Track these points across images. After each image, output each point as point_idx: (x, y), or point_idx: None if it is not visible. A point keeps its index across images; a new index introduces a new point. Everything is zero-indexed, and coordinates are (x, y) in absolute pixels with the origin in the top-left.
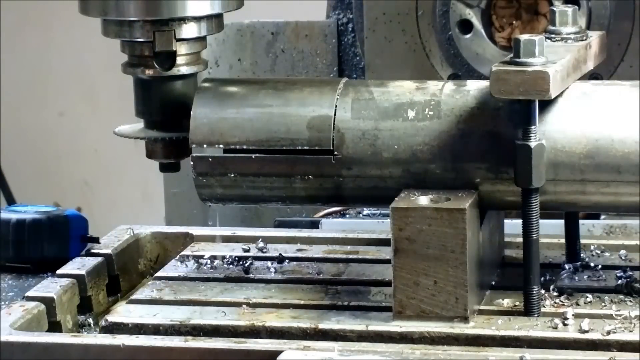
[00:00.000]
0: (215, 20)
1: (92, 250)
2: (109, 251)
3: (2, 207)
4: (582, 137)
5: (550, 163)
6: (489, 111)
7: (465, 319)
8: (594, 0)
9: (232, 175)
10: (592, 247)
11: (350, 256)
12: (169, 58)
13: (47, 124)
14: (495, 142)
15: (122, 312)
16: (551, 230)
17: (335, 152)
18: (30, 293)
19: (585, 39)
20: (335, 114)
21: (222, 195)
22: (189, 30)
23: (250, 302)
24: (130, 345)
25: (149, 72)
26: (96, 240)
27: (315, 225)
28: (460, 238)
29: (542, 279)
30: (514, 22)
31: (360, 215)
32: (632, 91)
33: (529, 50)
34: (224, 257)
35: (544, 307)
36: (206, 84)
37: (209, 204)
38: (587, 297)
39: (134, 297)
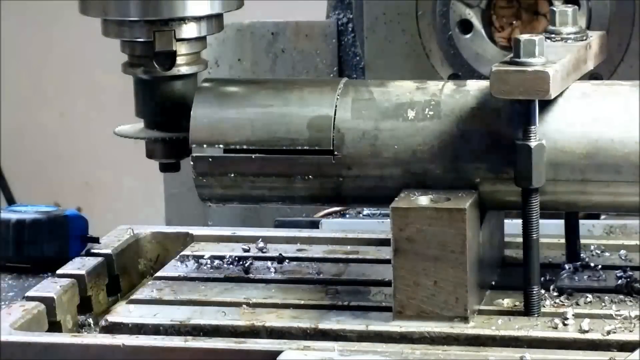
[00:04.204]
0: (215, 20)
1: (92, 250)
2: (109, 251)
3: (2, 207)
4: (582, 137)
5: (550, 163)
6: (489, 111)
7: (465, 319)
8: (594, 0)
9: (232, 175)
10: (592, 247)
11: (350, 256)
12: (169, 58)
13: (47, 124)
14: (495, 142)
15: (122, 312)
16: (551, 230)
17: (335, 152)
18: (30, 293)
19: (585, 39)
20: (335, 114)
21: (222, 195)
22: (189, 30)
23: (250, 302)
24: (130, 345)
25: (149, 72)
26: (96, 240)
27: (315, 225)
28: (460, 238)
29: (542, 279)
30: (514, 22)
31: (360, 215)
32: (632, 91)
33: (529, 50)
34: (223, 257)
35: (544, 307)
36: (206, 84)
37: (209, 204)
38: (587, 297)
39: (134, 297)
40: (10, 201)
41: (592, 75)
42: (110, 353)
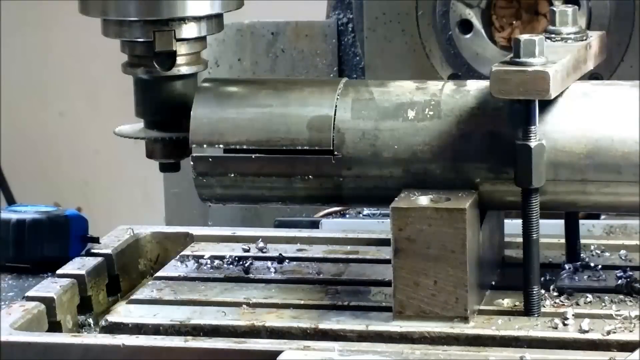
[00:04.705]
0: (215, 20)
1: (92, 250)
2: (109, 251)
3: (2, 207)
4: (582, 137)
5: (550, 163)
6: (489, 111)
7: (465, 319)
8: (594, 0)
9: (232, 175)
10: (592, 247)
11: (350, 256)
12: (169, 58)
13: (47, 124)
14: (495, 142)
15: (122, 312)
16: (551, 230)
17: (335, 152)
18: (30, 293)
19: (585, 39)
20: (335, 114)
21: (222, 195)
22: (189, 30)
23: (250, 302)
24: (130, 345)
25: (149, 72)
26: (96, 240)
27: (315, 225)
28: (460, 238)
29: (542, 279)
30: (514, 22)
31: (360, 215)
32: (632, 91)
33: (529, 50)
34: (223, 257)
35: (544, 307)
36: (206, 84)
37: (209, 204)
38: (587, 297)
39: (134, 297)
40: (10, 201)
41: (592, 75)
42: (110, 353)
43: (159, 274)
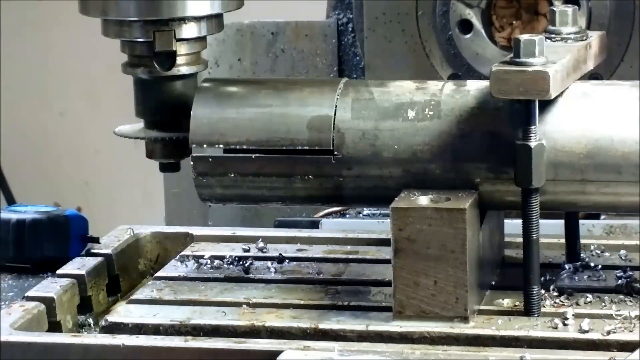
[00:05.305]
0: (215, 20)
1: (92, 250)
2: (109, 251)
3: (2, 207)
4: (582, 137)
5: (550, 163)
6: (489, 111)
7: (465, 319)
8: (594, 0)
9: (232, 175)
10: (592, 247)
11: (350, 256)
12: (169, 58)
13: (47, 124)
14: (495, 142)
15: (122, 312)
16: (551, 230)
17: (335, 152)
18: (30, 293)
19: (585, 39)
20: (335, 114)
21: (222, 195)
22: (189, 30)
23: (250, 302)
24: (130, 345)
25: (149, 72)
26: (96, 240)
27: (315, 225)
28: (460, 238)
29: (542, 279)
30: (514, 22)
31: (360, 215)
32: (632, 91)
33: (529, 50)
34: (223, 257)
35: (544, 307)
36: (206, 84)
37: (209, 204)
38: (587, 297)
39: (134, 297)
40: (10, 201)
41: (592, 75)
42: (110, 353)
43: (159, 274)
